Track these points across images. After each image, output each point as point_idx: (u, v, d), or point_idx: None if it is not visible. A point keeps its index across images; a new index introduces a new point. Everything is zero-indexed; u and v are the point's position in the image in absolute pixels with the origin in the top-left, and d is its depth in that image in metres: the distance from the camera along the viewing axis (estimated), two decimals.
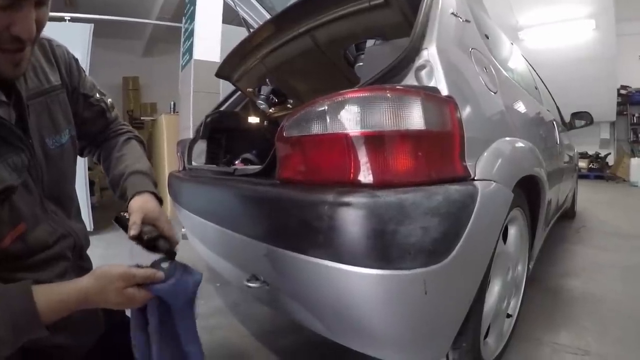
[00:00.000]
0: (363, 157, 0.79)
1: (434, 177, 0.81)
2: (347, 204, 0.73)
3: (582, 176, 8.00)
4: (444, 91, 0.89)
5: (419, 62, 0.94)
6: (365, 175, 0.79)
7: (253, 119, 2.07)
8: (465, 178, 0.86)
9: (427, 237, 0.72)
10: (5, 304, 0.59)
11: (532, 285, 1.96)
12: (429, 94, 0.84)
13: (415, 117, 0.80)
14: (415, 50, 0.96)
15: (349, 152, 0.80)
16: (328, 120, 0.83)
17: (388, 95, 0.80)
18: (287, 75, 1.90)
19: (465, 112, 0.92)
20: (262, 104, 1.89)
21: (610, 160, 8.78)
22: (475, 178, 0.88)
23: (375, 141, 0.79)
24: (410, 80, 0.94)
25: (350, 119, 0.80)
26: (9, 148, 0.71)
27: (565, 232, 3.29)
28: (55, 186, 0.83)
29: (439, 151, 0.83)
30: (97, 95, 0.99)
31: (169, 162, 3.78)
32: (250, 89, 2.02)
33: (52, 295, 0.64)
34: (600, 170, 8.66)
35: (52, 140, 0.82)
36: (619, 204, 5.19)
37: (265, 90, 1.89)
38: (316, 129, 0.85)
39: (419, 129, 0.80)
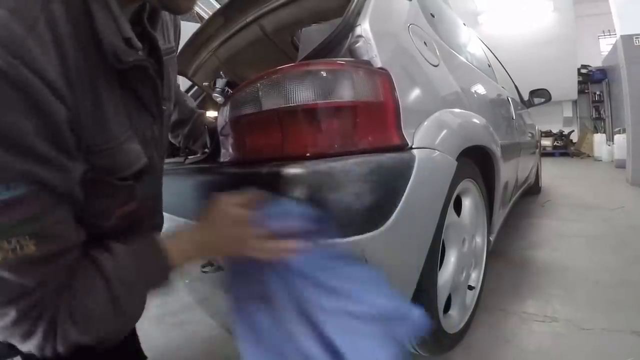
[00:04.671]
0: (297, 132, 0.80)
1: (369, 147, 0.82)
2: (278, 175, 0.73)
3: (547, 154, 8.24)
4: (377, 64, 0.90)
5: (352, 37, 0.95)
6: (300, 149, 0.79)
7: (211, 113, 2.05)
8: (402, 147, 0.87)
9: (360, 203, 0.73)
10: (144, 266, 0.57)
11: (496, 258, 1.99)
12: (357, 67, 0.85)
13: (344, 90, 0.80)
14: (349, 26, 0.96)
15: (282, 127, 0.81)
16: (260, 98, 0.83)
17: (316, 69, 0.81)
18: (239, 66, 1.90)
19: (401, 83, 0.92)
20: (218, 97, 1.88)
21: (574, 137, 9.05)
22: (414, 147, 0.89)
23: (307, 115, 0.79)
24: (344, 55, 0.94)
25: (280, 95, 0.80)
26: (144, 114, 0.61)
27: (531, 206, 3.37)
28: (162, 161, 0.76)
29: (372, 121, 0.84)
30: None
31: None
32: (205, 83, 2.00)
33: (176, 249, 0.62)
34: (564, 148, 8.93)
35: (167, 106, 0.72)
36: (584, 178, 5.36)
37: (220, 83, 1.88)
38: (250, 108, 0.85)
39: (349, 101, 0.81)
